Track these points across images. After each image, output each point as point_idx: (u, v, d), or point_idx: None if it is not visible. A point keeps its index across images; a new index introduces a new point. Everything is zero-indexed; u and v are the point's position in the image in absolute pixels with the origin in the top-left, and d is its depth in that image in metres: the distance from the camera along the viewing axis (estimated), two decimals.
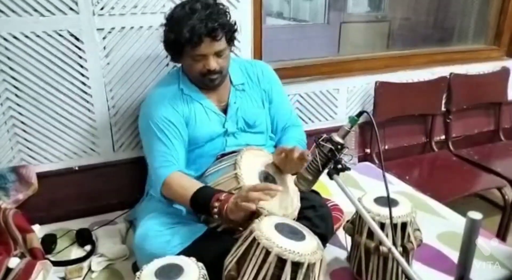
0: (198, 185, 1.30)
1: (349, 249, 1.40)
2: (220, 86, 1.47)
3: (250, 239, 1.05)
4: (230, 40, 1.42)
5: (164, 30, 1.41)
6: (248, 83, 1.56)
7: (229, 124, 1.50)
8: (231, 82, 1.52)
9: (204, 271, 1.00)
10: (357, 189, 1.94)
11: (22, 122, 1.62)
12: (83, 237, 1.58)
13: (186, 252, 1.19)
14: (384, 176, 1.06)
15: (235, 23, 1.42)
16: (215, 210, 1.18)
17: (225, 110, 1.51)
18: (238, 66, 1.56)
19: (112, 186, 1.81)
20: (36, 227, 1.54)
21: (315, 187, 1.21)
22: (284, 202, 1.34)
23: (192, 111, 1.45)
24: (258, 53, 2.00)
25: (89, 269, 1.43)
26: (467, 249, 1.04)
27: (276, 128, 1.62)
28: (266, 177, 1.38)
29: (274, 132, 1.63)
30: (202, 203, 1.23)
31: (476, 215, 1.01)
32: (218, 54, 1.37)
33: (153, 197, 1.47)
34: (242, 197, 1.14)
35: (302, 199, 1.43)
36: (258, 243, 1.02)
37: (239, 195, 1.17)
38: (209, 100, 1.49)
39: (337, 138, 1.09)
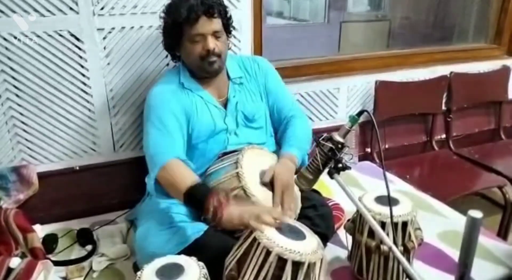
0: (195, 177, 1.28)
1: (349, 248, 1.40)
2: (218, 73, 1.48)
3: (250, 238, 1.05)
4: (227, 26, 1.46)
5: (162, 21, 1.45)
6: (246, 77, 1.57)
7: (229, 119, 1.50)
8: (228, 77, 1.53)
9: (205, 271, 1.00)
10: (358, 188, 1.94)
11: (23, 122, 1.62)
12: (84, 237, 1.58)
13: (187, 251, 1.19)
14: (384, 175, 1.06)
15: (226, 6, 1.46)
16: (209, 214, 1.15)
17: (225, 106, 1.52)
18: (235, 62, 1.59)
19: (113, 186, 1.81)
20: (37, 227, 1.55)
21: (315, 186, 1.21)
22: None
23: (193, 104, 1.46)
24: (258, 53, 2.00)
25: (90, 268, 1.43)
26: (468, 247, 1.04)
27: (278, 118, 1.60)
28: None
29: (277, 122, 1.61)
30: (198, 197, 1.20)
31: (476, 213, 1.01)
32: (215, 36, 1.40)
33: (154, 196, 1.46)
34: (252, 215, 1.09)
35: (302, 198, 1.44)
36: (259, 243, 1.02)
37: (249, 212, 1.11)
38: (209, 93, 1.50)
39: (337, 137, 1.08)
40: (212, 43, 1.39)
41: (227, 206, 1.15)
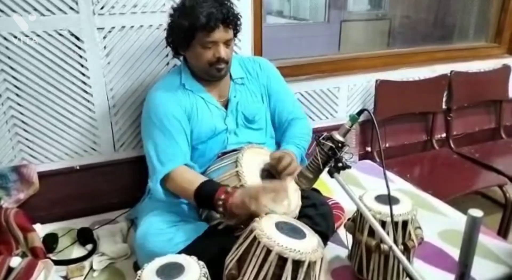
0: (202, 178, 1.31)
1: (350, 247, 1.40)
2: (222, 78, 1.49)
3: (250, 238, 1.05)
4: (236, 32, 1.47)
5: (173, 20, 1.41)
6: (247, 78, 1.58)
7: (230, 119, 1.50)
8: (230, 77, 1.54)
9: (205, 270, 1.00)
10: (358, 187, 1.94)
11: (23, 122, 1.62)
12: (85, 236, 1.58)
13: (187, 250, 1.20)
14: (385, 174, 1.05)
15: (241, 16, 1.46)
16: (220, 203, 1.20)
17: (226, 106, 1.52)
18: (237, 62, 1.58)
19: (113, 185, 1.82)
20: (37, 227, 1.55)
21: (316, 185, 1.21)
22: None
23: (194, 105, 1.46)
24: (258, 52, 2.00)
25: (91, 268, 1.43)
26: (468, 246, 1.04)
27: (279, 121, 1.62)
28: (268, 175, 1.38)
29: (278, 125, 1.63)
30: (206, 196, 1.24)
31: (477, 212, 1.01)
32: (227, 43, 1.41)
33: (154, 195, 1.47)
34: (253, 199, 1.15)
35: (302, 197, 1.44)
36: (259, 242, 1.02)
37: (248, 194, 1.17)
38: (210, 94, 1.50)
39: (337, 136, 1.08)
40: (223, 51, 1.39)
41: (234, 193, 1.20)
